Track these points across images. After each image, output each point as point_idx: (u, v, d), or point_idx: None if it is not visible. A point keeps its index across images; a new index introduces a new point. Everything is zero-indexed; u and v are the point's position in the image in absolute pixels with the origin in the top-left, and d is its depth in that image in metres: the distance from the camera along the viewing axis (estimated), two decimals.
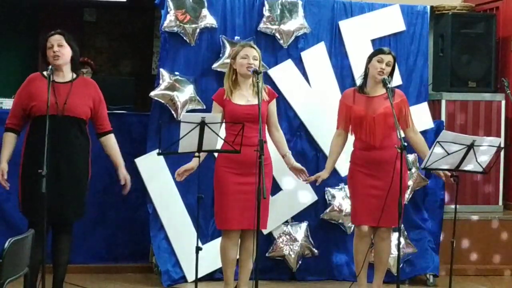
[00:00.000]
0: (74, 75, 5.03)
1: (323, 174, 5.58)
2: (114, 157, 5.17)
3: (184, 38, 6.02)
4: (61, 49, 4.94)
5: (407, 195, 6.23)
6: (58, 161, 4.81)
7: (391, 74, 5.48)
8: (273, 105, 5.40)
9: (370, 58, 5.48)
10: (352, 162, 5.53)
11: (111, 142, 5.17)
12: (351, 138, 5.58)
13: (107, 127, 5.17)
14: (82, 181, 5.02)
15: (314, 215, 6.25)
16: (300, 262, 6.17)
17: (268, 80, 6.10)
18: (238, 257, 5.39)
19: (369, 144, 5.40)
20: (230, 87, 5.28)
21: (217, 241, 5.78)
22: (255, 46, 5.34)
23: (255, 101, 5.15)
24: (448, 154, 5.16)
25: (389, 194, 5.24)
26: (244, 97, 5.26)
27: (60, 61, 4.93)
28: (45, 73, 4.97)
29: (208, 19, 6.05)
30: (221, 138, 4.98)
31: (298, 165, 5.48)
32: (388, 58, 5.43)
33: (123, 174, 5.17)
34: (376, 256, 5.61)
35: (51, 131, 4.67)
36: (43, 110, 4.81)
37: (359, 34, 6.33)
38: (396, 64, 5.55)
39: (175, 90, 5.94)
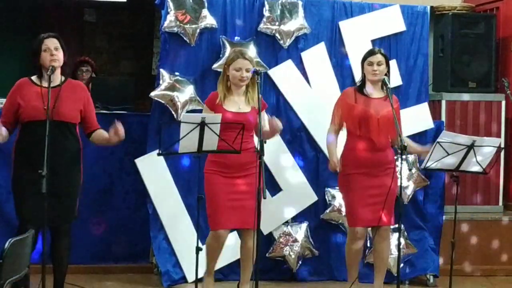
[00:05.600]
0: (63, 78, 5.00)
1: (335, 163, 5.50)
2: (104, 134, 5.07)
3: (184, 38, 6.02)
4: (58, 53, 4.95)
5: (408, 195, 6.25)
6: (48, 166, 4.75)
7: (388, 71, 5.51)
8: (264, 115, 5.32)
9: (362, 63, 5.54)
10: (348, 164, 5.49)
11: (99, 131, 5.11)
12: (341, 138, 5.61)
13: (95, 126, 5.12)
14: (73, 185, 4.99)
15: (314, 215, 6.25)
16: (300, 262, 6.17)
17: (268, 80, 6.11)
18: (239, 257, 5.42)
19: (374, 145, 5.41)
20: (224, 91, 5.30)
21: None
22: (247, 56, 5.30)
23: (247, 109, 5.24)
24: (448, 154, 5.17)
25: (389, 192, 5.32)
26: (236, 104, 5.28)
27: (57, 64, 4.92)
28: (33, 77, 4.97)
29: (208, 20, 6.05)
30: (221, 139, 4.97)
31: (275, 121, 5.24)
32: (378, 58, 5.46)
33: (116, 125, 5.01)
34: (377, 256, 5.62)
35: (41, 135, 4.68)
36: (32, 116, 4.84)
37: (359, 34, 6.33)
38: (389, 62, 5.56)
39: (175, 90, 5.94)
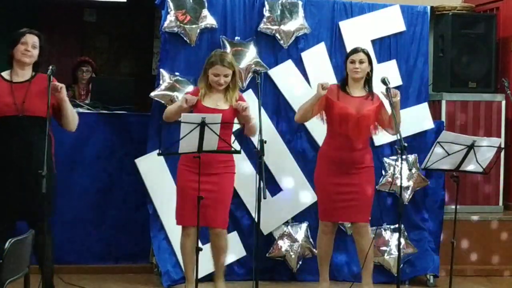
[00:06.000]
0: (33, 73, 5.02)
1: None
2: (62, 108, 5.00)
3: (184, 38, 6.02)
4: (33, 50, 4.96)
5: (408, 195, 6.25)
6: (20, 161, 4.83)
7: (371, 71, 5.59)
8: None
9: (345, 61, 5.63)
10: (324, 160, 5.60)
11: None
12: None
13: None
14: (46, 180, 4.92)
15: (314, 215, 6.22)
16: (300, 262, 6.17)
17: (268, 80, 6.11)
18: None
19: (352, 143, 5.47)
20: (205, 88, 5.35)
21: None
22: (226, 63, 5.29)
23: (224, 107, 5.28)
24: (449, 154, 5.18)
25: (361, 190, 5.48)
26: (214, 101, 5.33)
27: (28, 60, 4.95)
28: (3, 74, 5.00)
29: (209, 20, 6.05)
30: (221, 139, 4.97)
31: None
32: (360, 56, 5.54)
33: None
34: (360, 254, 5.67)
35: (12, 131, 4.78)
36: (2, 112, 4.86)
37: (359, 34, 6.32)
38: (372, 60, 5.63)
39: (175, 90, 5.94)
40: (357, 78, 5.54)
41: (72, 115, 5.06)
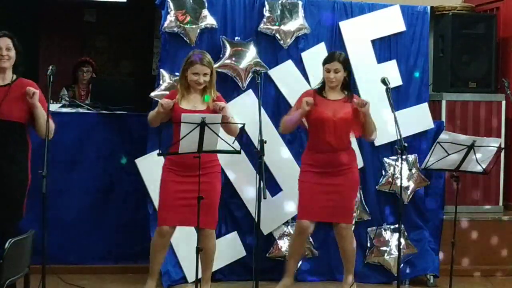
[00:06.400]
0: (14, 77, 4.98)
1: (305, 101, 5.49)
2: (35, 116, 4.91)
3: (185, 38, 6.02)
4: (9, 53, 4.93)
5: (408, 195, 6.25)
6: None
7: (348, 76, 5.60)
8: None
9: (323, 66, 5.62)
10: (305, 162, 5.63)
11: None
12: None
13: None
14: (18, 186, 4.92)
15: None
16: (300, 262, 6.17)
17: (268, 80, 6.11)
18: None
19: (330, 146, 5.48)
20: (183, 91, 5.35)
21: (217, 242, 5.78)
22: (206, 62, 5.29)
23: (201, 108, 5.27)
24: (449, 154, 5.18)
25: (343, 191, 5.49)
26: (192, 102, 5.33)
27: (7, 64, 4.92)
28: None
29: (209, 20, 6.05)
30: (221, 139, 4.97)
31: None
32: (335, 65, 5.54)
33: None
34: (341, 254, 5.71)
35: None
36: None
37: (359, 34, 6.33)
38: (349, 66, 5.63)
39: None
40: (333, 87, 5.57)
41: (45, 122, 4.84)
